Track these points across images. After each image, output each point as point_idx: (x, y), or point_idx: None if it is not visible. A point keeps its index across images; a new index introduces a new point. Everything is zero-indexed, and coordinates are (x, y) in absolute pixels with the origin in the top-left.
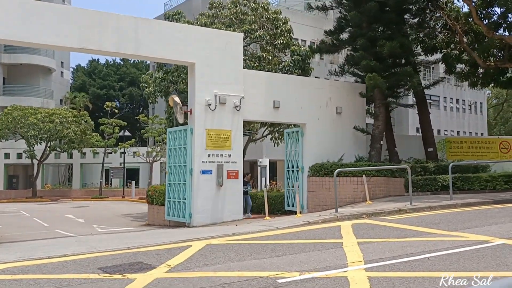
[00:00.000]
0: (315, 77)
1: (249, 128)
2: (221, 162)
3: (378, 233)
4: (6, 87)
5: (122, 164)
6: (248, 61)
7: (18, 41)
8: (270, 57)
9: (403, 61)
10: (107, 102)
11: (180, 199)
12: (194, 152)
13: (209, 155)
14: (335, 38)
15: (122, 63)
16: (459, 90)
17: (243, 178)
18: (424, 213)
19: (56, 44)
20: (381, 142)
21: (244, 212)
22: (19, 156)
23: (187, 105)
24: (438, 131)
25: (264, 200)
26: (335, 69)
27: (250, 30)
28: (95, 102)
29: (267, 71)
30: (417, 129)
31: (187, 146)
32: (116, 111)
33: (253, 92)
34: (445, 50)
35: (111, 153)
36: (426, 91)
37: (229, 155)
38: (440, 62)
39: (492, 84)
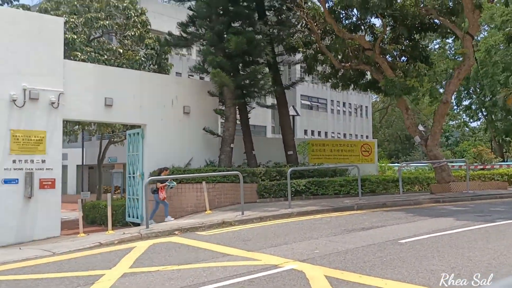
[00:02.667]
0: (157, 73)
1: (112, 129)
2: (31, 169)
3: (164, 259)
4: None
5: None
6: (94, 53)
7: None
8: (121, 50)
9: (262, 60)
10: None
11: None
12: None
13: (14, 161)
14: (183, 30)
15: None
16: (346, 93)
17: (159, 174)
18: (249, 225)
19: None
20: (232, 145)
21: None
22: None
23: None
24: (326, 133)
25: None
26: (194, 66)
27: (95, 18)
28: None
29: (117, 65)
30: (305, 131)
31: None
32: None
33: (78, 87)
34: (301, 50)
35: None
36: (313, 94)
37: (43, 161)
38: (302, 62)
39: (352, 86)
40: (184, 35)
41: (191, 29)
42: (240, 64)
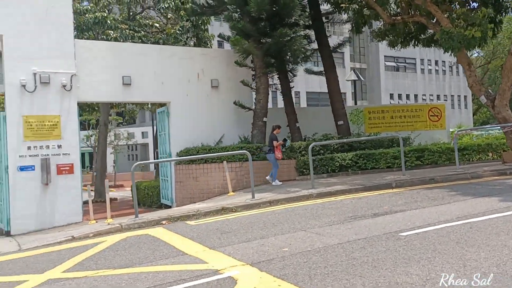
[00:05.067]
0: (196, 47)
1: None
2: (47, 155)
3: (112, 260)
4: None
5: None
6: (129, 30)
7: None
8: (158, 25)
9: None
10: None
11: None
12: (9, 144)
13: (29, 148)
14: None
15: None
16: (437, 50)
17: (272, 131)
18: (250, 212)
19: None
20: (265, 119)
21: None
22: None
23: None
24: (415, 96)
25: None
26: (219, 34)
27: None
28: None
29: (153, 42)
30: (391, 95)
31: (1, 137)
32: None
33: (92, 67)
34: (344, 5)
35: None
36: (399, 54)
37: (59, 146)
38: (351, 20)
39: (413, 42)
40: (210, 1)
41: None
42: (277, 28)
